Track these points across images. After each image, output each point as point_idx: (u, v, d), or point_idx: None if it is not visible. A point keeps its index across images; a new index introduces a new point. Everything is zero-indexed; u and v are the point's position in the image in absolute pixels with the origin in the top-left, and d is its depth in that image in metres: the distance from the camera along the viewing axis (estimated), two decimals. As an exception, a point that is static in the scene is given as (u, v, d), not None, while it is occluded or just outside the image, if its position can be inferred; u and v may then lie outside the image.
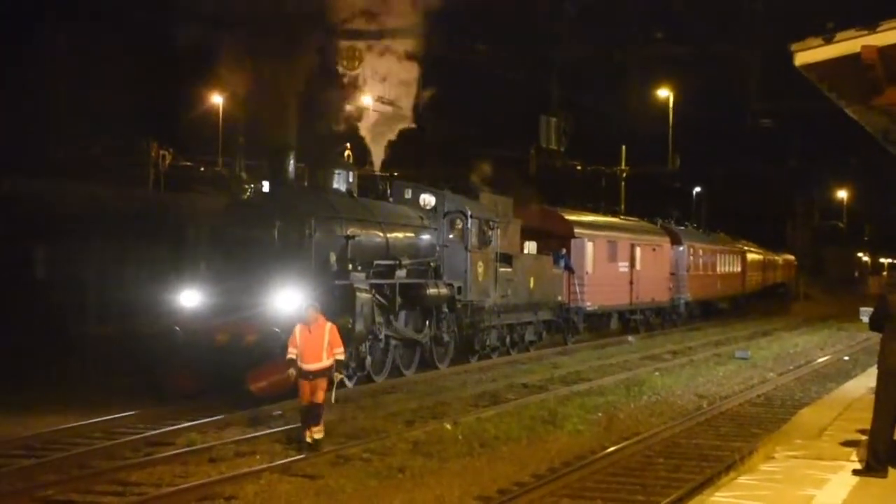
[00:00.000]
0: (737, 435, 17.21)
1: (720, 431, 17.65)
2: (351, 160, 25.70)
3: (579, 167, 54.90)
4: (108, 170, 35.88)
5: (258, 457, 14.66)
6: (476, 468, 14.22)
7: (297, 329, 15.48)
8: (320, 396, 15.23)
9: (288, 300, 18.76)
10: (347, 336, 18.62)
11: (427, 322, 24.44)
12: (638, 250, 38.31)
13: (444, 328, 25.02)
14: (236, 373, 18.08)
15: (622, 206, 51.14)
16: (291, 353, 15.35)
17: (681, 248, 43.69)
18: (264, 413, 17.78)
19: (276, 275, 19.43)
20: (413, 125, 28.51)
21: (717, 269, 50.82)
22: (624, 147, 55.43)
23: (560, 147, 51.68)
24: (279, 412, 18.18)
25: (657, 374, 25.73)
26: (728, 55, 54.20)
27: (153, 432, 16.09)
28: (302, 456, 14.64)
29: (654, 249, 40.18)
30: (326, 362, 15.35)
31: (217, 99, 43.57)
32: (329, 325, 15.57)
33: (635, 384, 23.26)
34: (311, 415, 15.23)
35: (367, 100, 48.60)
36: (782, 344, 35.72)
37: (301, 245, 20.38)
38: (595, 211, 42.32)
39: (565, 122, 51.60)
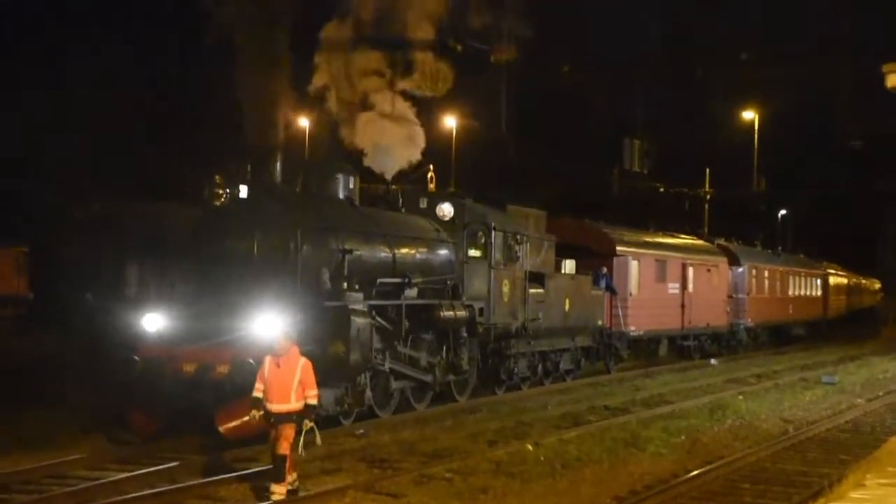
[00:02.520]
0: (825, 461, 16.91)
1: (807, 457, 17.36)
2: (433, 182, 24.90)
3: (662, 189, 54.45)
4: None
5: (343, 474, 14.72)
6: (558, 489, 14.15)
7: (266, 362, 13.22)
8: (283, 447, 12.90)
9: (266, 325, 15.81)
10: (341, 367, 16.82)
11: (443, 349, 21.46)
12: (691, 270, 35.75)
13: (464, 355, 21.95)
14: (205, 409, 15.86)
15: (705, 229, 50.59)
16: (258, 389, 13.13)
17: (740, 269, 41.14)
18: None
19: (255, 296, 16.78)
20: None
21: (790, 292, 48.34)
22: (708, 169, 54.97)
23: (643, 169, 51.53)
24: (362, 431, 18.30)
25: (741, 397, 25.39)
26: (816, 77, 53.77)
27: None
28: (386, 473, 14.68)
29: (708, 270, 37.62)
30: (295, 405, 12.99)
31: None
32: (303, 360, 13.18)
33: (719, 408, 22.97)
34: (275, 467, 13.04)
35: (450, 121, 48.87)
36: (871, 369, 35.05)
37: (285, 261, 17.55)
38: (677, 233, 40.48)
39: (648, 145, 51.46)
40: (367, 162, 22.61)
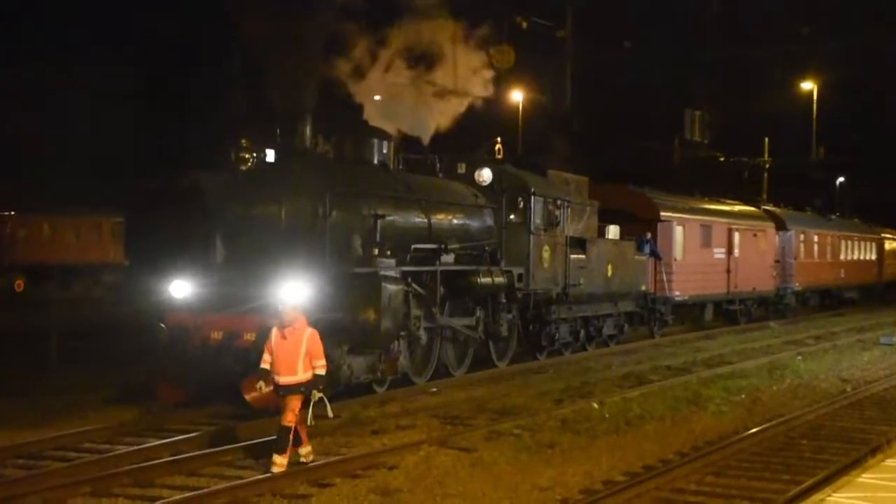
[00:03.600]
0: (882, 419, 16.70)
1: (865, 415, 17.16)
2: (501, 154, 24.24)
3: (722, 159, 53.86)
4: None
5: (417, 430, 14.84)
6: (622, 445, 14.14)
7: (273, 333, 12.44)
8: (290, 418, 12.12)
9: (294, 292, 14.56)
10: (372, 334, 15.85)
11: (483, 314, 20.44)
12: (736, 235, 34.26)
13: (502, 321, 20.96)
14: (232, 377, 14.79)
15: (764, 196, 50.00)
16: (265, 361, 12.39)
17: (788, 234, 39.86)
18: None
19: (282, 262, 15.74)
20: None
21: (842, 256, 46.91)
22: (767, 139, 54.33)
23: (704, 139, 51.10)
24: (435, 389, 18.39)
25: (800, 358, 25.17)
26: (874, 48, 52.97)
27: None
28: (458, 429, 14.76)
29: (755, 235, 36.35)
30: (302, 376, 12.23)
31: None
32: (309, 331, 12.38)
33: (778, 368, 22.82)
34: (278, 437, 12.21)
35: (517, 95, 48.69)
36: (928, 331, 34.53)
37: (313, 226, 16.47)
38: (736, 201, 39.35)
39: (709, 115, 50.99)
40: (402, 126, 21.22)
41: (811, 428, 15.82)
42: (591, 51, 47.90)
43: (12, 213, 43.84)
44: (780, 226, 39.35)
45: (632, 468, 12.72)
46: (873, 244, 52.73)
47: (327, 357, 14.35)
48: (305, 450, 12.49)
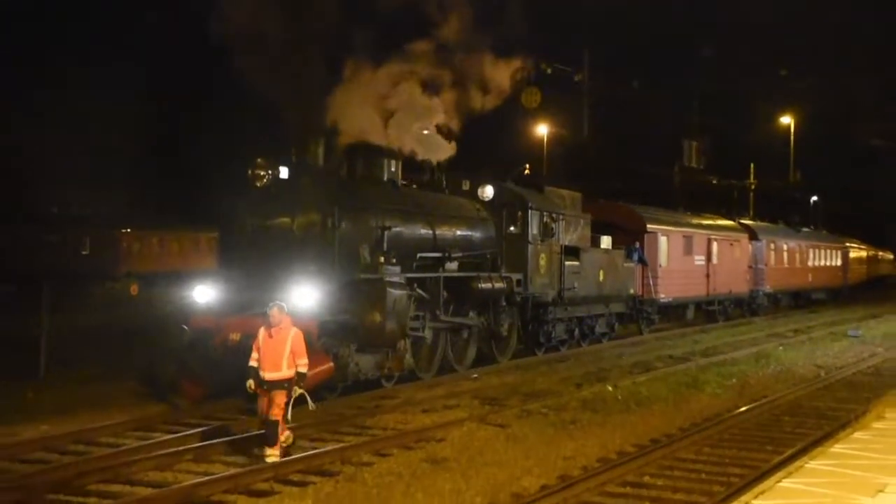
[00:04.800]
0: (851, 398, 16.52)
1: (837, 396, 16.99)
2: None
3: (715, 181, 53.50)
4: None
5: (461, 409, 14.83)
6: (632, 422, 14.08)
7: (261, 333, 11.55)
8: (275, 412, 11.26)
9: (305, 296, 14.55)
10: (378, 335, 15.01)
11: (484, 316, 19.51)
12: (715, 245, 33.02)
13: (503, 322, 20.00)
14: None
15: (751, 213, 49.59)
16: (253, 359, 11.47)
17: (759, 243, 38.42)
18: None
19: (295, 269, 15.12)
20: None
21: (810, 262, 45.38)
22: (752, 164, 54.05)
23: (699, 165, 50.78)
24: (476, 375, 18.38)
25: (781, 348, 24.91)
26: (841, 88, 52.66)
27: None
28: (494, 408, 14.75)
29: (731, 244, 35.13)
30: (286, 373, 11.35)
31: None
32: (294, 330, 11.52)
33: (763, 357, 22.59)
34: (265, 433, 11.43)
35: (542, 129, 48.66)
36: (889, 325, 34.02)
37: (323, 237, 15.59)
38: (716, 215, 38.07)
39: (704, 144, 50.70)
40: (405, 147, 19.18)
41: (791, 406, 15.69)
42: (605, 90, 47.84)
43: (129, 230, 44.48)
44: (753, 236, 38.19)
45: (641, 441, 12.67)
46: (839, 252, 51.81)
47: (336, 355, 14.23)
48: (283, 437, 11.50)
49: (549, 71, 44.34)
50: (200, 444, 11.92)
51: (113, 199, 45.76)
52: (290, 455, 11.38)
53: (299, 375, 11.41)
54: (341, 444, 12.11)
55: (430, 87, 19.06)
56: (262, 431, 11.49)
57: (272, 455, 11.20)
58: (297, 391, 11.39)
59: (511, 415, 14.36)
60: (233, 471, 10.62)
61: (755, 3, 54.84)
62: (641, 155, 52.90)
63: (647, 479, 10.81)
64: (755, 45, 59.79)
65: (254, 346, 11.52)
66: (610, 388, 16.97)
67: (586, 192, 25.53)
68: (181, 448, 11.54)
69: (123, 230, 44.10)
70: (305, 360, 11.47)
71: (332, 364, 14.07)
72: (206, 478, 10.34)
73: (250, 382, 11.45)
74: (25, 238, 41.49)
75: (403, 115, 18.48)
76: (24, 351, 17.73)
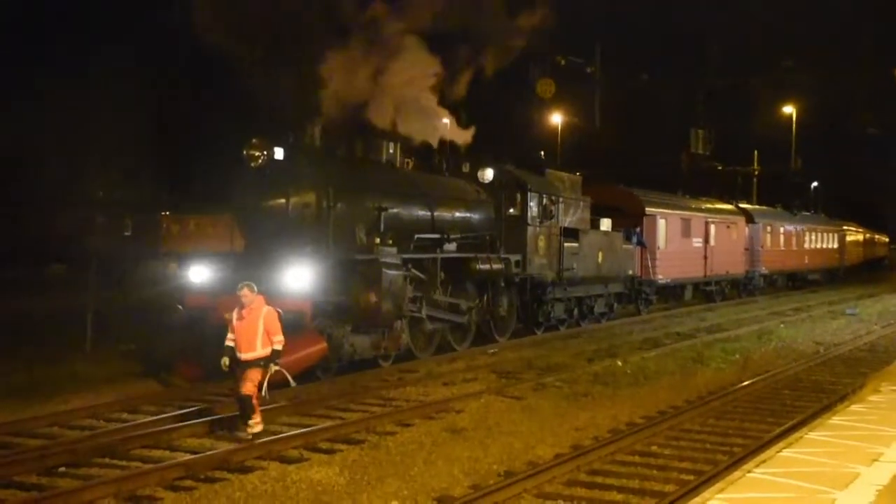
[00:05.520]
0: (848, 373, 16.44)
1: (835, 371, 16.90)
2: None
3: (720, 167, 53.18)
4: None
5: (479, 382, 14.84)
6: (641, 395, 14.06)
7: (234, 314, 10.87)
8: (248, 388, 10.66)
9: (297, 277, 13.81)
10: (373, 315, 14.19)
11: (483, 297, 18.68)
12: (712, 227, 32.08)
13: (501, 302, 19.34)
14: None
15: (754, 198, 49.28)
16: (229, 339, 10.85)
17: (756, 226, 37.56)
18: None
19: (289, 249, 14.32)
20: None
21: (806, 245, 44.61)
22: (756, 151, 53.67)
23: (705, 152, 50.52)
24: (493, 350, 18.36)
25: (782, 325, 24.80)
26: (840, 79, 52.27)
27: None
28: (511, 381, 14.75)
29: (728, 227, 33.78)
30: (261, 351, 10.71)
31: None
32: (266, 309, 10.82)
33: (765, 333, 22.50)
34: (241, 409, 10.85)
35: (556, 118, 48.49)
36: (885, 304, 33.81)
37: (317, 217, 14.73)
38: (714, 199, 37.09)
39: (710, 132, 50.43)
40: (404, 129, 18.15)
41: (791, 381, 15.61)
42: (615, 81, 47.66)
43: (167, 213, 44.87)
44: (750, 219, 37.41)
45: (649, 413, 12.64)
46: (835, 235, 50.95)
47: (330, 336, 13.64)
48: (254, 420, 10.80)
49: (562, 63, 44.22)
50: (233, 414, 11.84)
51: (150, 184, 46.00)
52: (255, 442, 10.41)
53: (274, 353, 10.74)
54: (367, 415, 12.14)
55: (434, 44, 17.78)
56: (238, 411, 10.91)
57: (255, 425, 10.69)
58: (273, 368, 10.72)
59: (526, 388, 14.36)
60: (265, 439, 10.68)
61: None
62: (650, 143, 52.71)
63: (654, 448, 10.79)
64: (760, 37, 59.27)
65: (230, 327, 10.89)
66: (620, 363, 16.94)
67: (597, 178, 25.14)
68: (216, 417, 11.58)
69: (163, 213, 44.41)
70: (281, 338, 10.80)
71: (325, 345, 13.57)
72: (240, 444, 10.41)
73: (225, 360, 10.82)
74: (76, 220, 41.83)
75: (402, 83, 17.36)
76: (73, 325, 17.89)
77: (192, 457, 9.89)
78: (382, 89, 17.10)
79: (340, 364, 14.38)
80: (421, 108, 18.20)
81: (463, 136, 19.78)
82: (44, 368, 14.89)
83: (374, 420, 11.78)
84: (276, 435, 10.87)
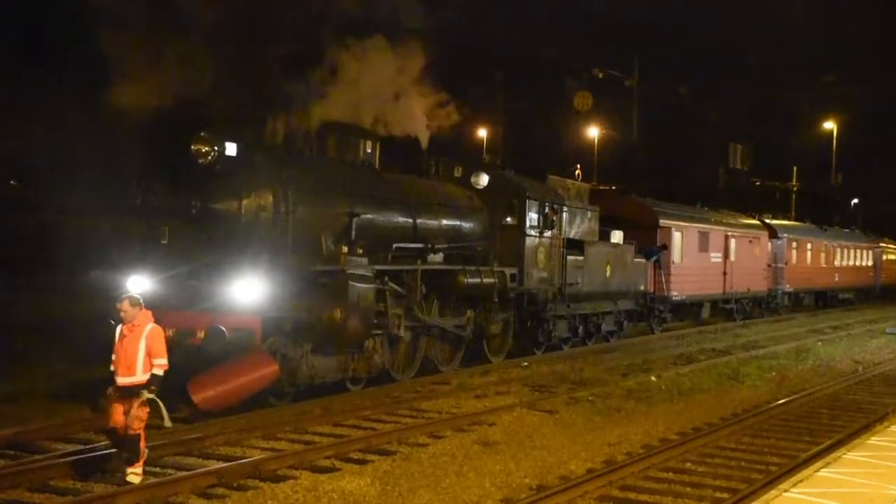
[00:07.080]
0: (887, 393, 16.20)
1: (873, 390, 16.65)
2: (580, 178, 23.27)
3: (758, 183, 52.75)
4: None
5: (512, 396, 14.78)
6: (675, 411, 13.94)
7: (117, 331, 9.18)
8: (136, 425, 8.92)
9: (246, 290, 12.19)
10: (337, 334, 12.53)
11: (474, 313, 16.75)
12: (733, 241, 30.32)
13: (494, 320, 17.29)
14: (181, 376, 11.07)
15: (792, 214, 48.74)
16: (113, 362, 9.11)
17: (780, 241, 35.79)
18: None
19: (241, 259, 12.56)
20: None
21: (837, 262, 42.49)
22: (795, 167, 53.15)
23: (745, 167, 50.20)
24: (526, 364, 18.31)
25: (820, 343, 24.50)
26: (881, 95, 51.78)
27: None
28: (543, 395, 14.67)
29: (750, 241, 31.91)
30: (141, 377, 8.95)
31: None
32: (150, 327, 9.06)
33: (803, 351, 22.25)
34: (124, 449, 9.03)
35: (593, 131, 48.42)
36: (926, 324, 33.31)
37: (274, 223, 12.83)
38: (745, 214, 35.63)
39: (749, 148, 50.12)
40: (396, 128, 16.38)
41: (829, 400, 15.41)
42: (654, 95, 47.49)
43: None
44: (773, 234, 35.80)
45: (683, 429, 12.54)
46: (871, 252, 48.75)
47: (285, 357, 12.12)
48: (137, 467, 9.05)
49: (601, 76, 44.15)
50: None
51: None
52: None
53: (152, 378, 9.00)
54: (399, 426, 12.13)
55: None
56: (118, 449, 9.15)
57: (134, 474, 9.01)
58: (146, 395, 8.95)
59: (559, 402, 14.29)
60: (297, 447, 10.71)
61: (799, 10, 53.93)
62: (688, 157, 52.40)
63: (688, 465, 10.70)
64: (800, 51, 58.84)
65: (114, 348, 9.19)
66: (654, 379, 16.81)
67: (636, 192, 24.54)
68: (249, 426, 11.63)
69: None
70: (164, 361, 9.08)
71: (276, 367, 11.98)
72: (273, 453, 10.46)
73: (110, 389, 9.11)
74: (117, 227, 42.20)
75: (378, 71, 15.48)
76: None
77: (224, 465, 9.94)
78: (355, 80, 15.19)
79: (298, 390, 12.85)
80: (402, 104, 16.33)
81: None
82: (82, 372, 14.88)
83: (406, 431, 11.77)
84: (308, 445, 10.90)
